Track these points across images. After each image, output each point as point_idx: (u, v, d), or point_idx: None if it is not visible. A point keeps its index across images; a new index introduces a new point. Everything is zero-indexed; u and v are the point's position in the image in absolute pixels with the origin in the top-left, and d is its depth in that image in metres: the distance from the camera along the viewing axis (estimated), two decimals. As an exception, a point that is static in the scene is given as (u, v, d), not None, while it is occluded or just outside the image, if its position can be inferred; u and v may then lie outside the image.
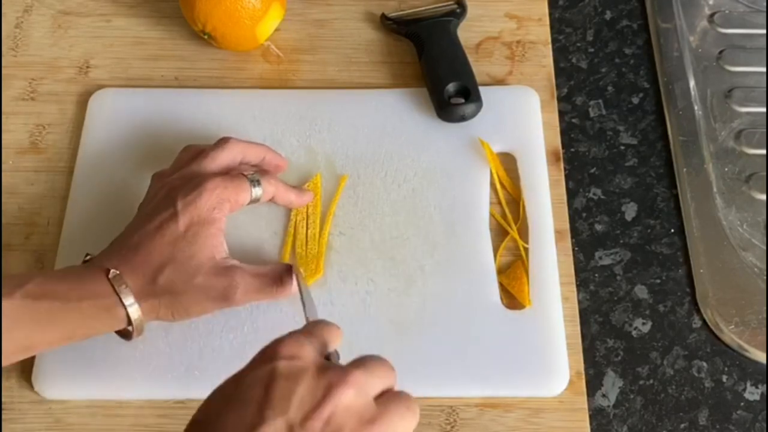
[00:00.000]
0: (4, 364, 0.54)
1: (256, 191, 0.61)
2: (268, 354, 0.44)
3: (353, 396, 0.43)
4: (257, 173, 0.62)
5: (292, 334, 0.46)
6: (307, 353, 0.44)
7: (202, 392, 0.59)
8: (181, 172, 0.61)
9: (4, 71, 0.75)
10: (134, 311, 0.56)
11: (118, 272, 0.56)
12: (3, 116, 0.72)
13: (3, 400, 0.60)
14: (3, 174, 0.69)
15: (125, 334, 0.58)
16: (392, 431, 0.43)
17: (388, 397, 0.45)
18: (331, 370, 0.43)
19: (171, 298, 0.57)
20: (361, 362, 0.45)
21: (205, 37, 0.72)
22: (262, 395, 0.42)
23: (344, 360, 0.47)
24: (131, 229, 0.60)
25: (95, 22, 0.77)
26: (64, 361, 0.60)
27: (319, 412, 0.41)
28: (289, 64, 0.75)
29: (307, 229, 0.65)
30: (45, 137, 0.71)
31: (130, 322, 0.56)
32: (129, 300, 0.55)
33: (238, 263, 0.59)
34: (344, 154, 0.69)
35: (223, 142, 0.63)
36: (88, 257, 0.59)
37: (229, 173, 0.61)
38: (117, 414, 0.60)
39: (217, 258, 0.58)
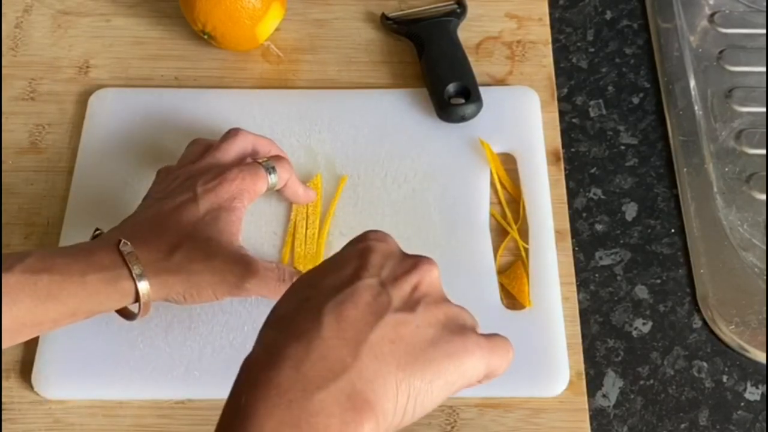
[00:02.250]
0: (9, 343, 0.53)
1: (272, 178, 0.61)
2: (360, 238, 0.47)
3: (437, 275, 0.46)
4: (271, 160, 0.62)
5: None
6: (393, 242, 0.47)
7: (202, 392, 0.60)
8: (196, 164, 0.60)
9: (4, 71, 0.74)
10: (143, 286, 0.54)
11: (129, 244, 0.54)
12: (3, 116, 0.72)
13: (3, 400, 0.60)
14: (3, 174, 0.69)
15: (128, 315, 0.57)
16: (462, 321, 0.46)
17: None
18: (417, 257, 0.46)
19: (186, 276, 0.55)
20: None
21: (205, 37, 0.72)
22: (357, 264, 0.44)
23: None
24: (144, 209, 0.58)
25: (95, 21, 0.77)
26: (64, 361, 0.60)
27: (408, 277, 0.45)
28: (289, 64, 0.75)
29: (306, 229, 0.65)
30: (45, 137, 0.71)
31: (137, 299, 0.54)
32: (138, 272, 0.54)
33: (252, 255, 0.58)
34: (344, 154, 0.69)
35: (233, 133, 0.63)
36: (98, 232, 0.58)
37: (244, 162, 0.61)
38: (117, 414, 0.60)
39: (234, 245, 0.57)
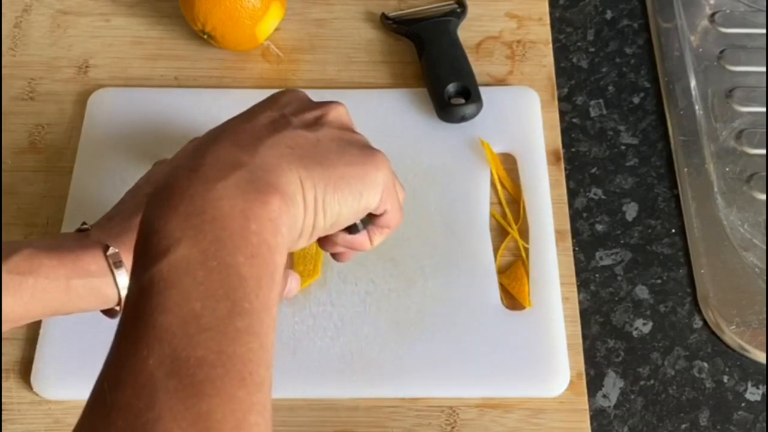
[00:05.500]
0: None
1: None
2: (271, 96, 0.48)
3: (344, 112, 0.48)
4: None
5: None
6: (305, 95, 0.48)
7: (201, 393, 0.60)
8: None
9: (3, 71, 0.74)
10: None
11: (117, 251, 0.54)
12: (3, 116, 0.72)
13: (3, 400, 0.60)
14: (3, 174, 0.69)
15: (110, 313, 0.57)
16: (370, 146, 0.48)
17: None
18: (327, 103, 0.48)
19: None
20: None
21: (205, 36, 0.72)
22: (263, 104, 0.46)
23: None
24: (132, 206, 0.58)
25: (94, 21, 0.77)
26: (64, 361, 0.60)
27: (311, 111, 0.46)
28: (289, 64, 0.75)
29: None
30: (44, 137, 0.71)
31: (119, 302, 0.55)
32: (124, 281, 0.54)
33: None
34: (344, 154, 0.69)
35: None
36: (85, 226, 0.58)
37: None
38: (116, 414, 0.60)
39: None
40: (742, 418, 0.60)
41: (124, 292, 0.54)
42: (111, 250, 0.54)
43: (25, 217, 0.67)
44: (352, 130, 0.48)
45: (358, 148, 0.46)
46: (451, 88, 0.70)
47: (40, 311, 0.54)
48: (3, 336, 0.62)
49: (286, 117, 0.45)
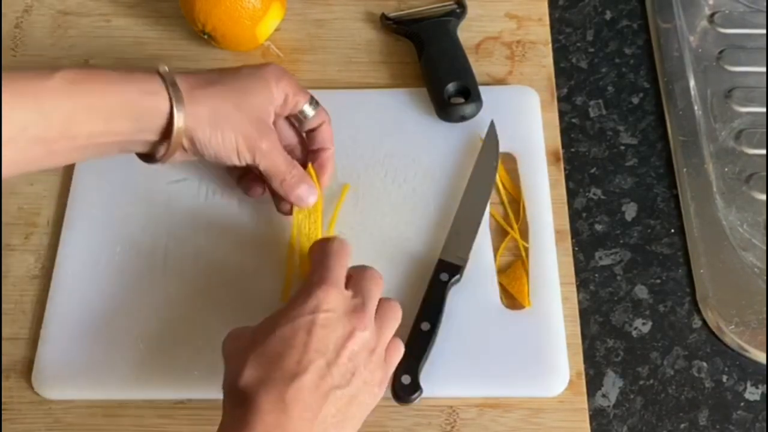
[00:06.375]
0: (47, 163, 0.54)
1: (310, 108, 0.63)
2: (310, 308, 0.52)
3: (368, 335, 0.53)
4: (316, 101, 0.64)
5: (320, 286, 0.53)
6: (337, 304, 0.53)
7: (202, 392, 0.60)
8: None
9: (4, 71, 0.74)
10: (178, 109, 0.55)
11: (169, 71, 0.56)
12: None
13: (3, 400, 0.60)
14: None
15: (150, 157, 0.58)
16: (385, 341, 0.55)
17: (380, 314, 0.55)
18: (354, 316, 0.53)
19: (215, 111, 0.57)
20: (362, 287, 0.55)
21: (205, 37, 0.72)
22: (306, 341, 0.51)
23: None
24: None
25: (95, 22, 0.78)
26: (64, 361, 0.60)
27: (345, 350, 0.52)
28: (289, 64, 0.75)
29: (309, 229, 0.65)
30: (45, 137, 0.71)
31: (166, 135, 0.56)
32: (175, 93, 0.55)
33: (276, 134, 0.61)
34: (344, 154, 0.69)
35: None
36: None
37: None
38: (117, 414, 0.60)
39: (264, 114, 0.60)
40: (741, 417, 0.60)
41: (177, 116, 0.55)
42: (162, 68, 0.56)
43: (25, 217, 0.67)
44: (372, 350, 0.53)
45: (374, 386, 0.54)
46: (450, 87, 0.70)
47: (98, 122, 0.54)
48: (3, 336, 0.63)
49: (330, 370, 0.51)
